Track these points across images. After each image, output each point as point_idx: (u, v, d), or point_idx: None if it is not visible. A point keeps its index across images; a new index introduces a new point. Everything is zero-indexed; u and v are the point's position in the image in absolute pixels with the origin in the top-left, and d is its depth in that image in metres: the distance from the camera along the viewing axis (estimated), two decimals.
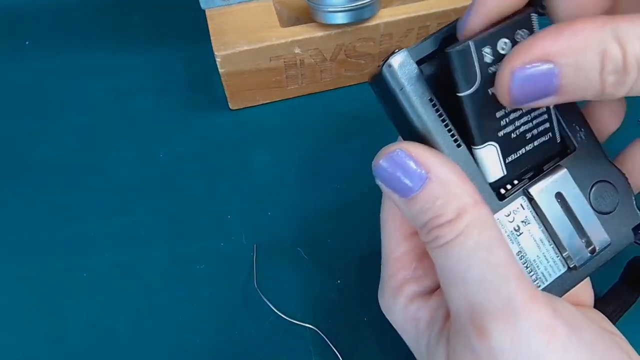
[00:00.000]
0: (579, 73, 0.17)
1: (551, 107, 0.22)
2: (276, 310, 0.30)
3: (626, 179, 0.23)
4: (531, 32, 0.20)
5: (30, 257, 0.33)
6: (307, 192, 0.34)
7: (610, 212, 0.23)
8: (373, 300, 0.31)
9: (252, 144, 0.37)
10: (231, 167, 0.36)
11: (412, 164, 0.20)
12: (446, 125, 0.21)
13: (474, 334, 0.19)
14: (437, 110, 0.21)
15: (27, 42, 0.41)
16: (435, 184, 0.19)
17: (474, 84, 0.20)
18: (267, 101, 0.38)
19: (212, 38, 0.33)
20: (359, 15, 0.33)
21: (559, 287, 0.23)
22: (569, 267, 0.22)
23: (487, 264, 0.19)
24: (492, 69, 0.20)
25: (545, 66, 0.17)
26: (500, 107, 0.21)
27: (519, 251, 0.22)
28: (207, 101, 0.38)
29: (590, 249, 0.22)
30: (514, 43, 0.20)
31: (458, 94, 0.20)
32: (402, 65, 0.21)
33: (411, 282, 0.23)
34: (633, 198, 0.23)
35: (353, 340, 0.30)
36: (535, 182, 0.22)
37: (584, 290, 0.25)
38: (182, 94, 0.39)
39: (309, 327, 0.30)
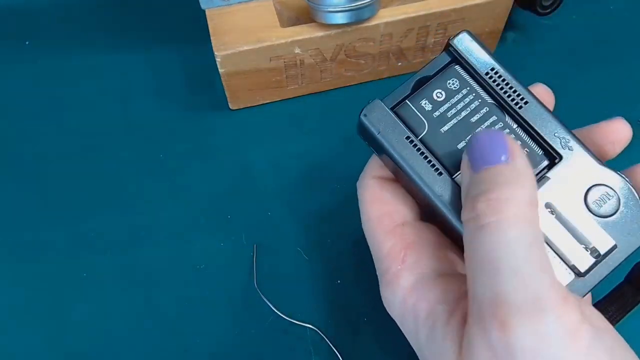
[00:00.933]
0: None
1: (514, 125, 0.24)
2: (276, 310, 0.30)
3: (627, 180, 0.23)
4: (461, 80, 0.24)
5: (30, 257, 0.33)
6: (307, 192, 0.34)
7: (613, 215, 0.22)
8: (373, 300, 0.31)
9: (252, 144, 0.37)
10: (231, 167, 0.36)
11: (505, 146, 0.21)
12: (425, 158, 0.23)
13: (493, 326, 0.18)
14: (414, 146, 0.24)
15: (27, 42, 0.41)
16: (509, 166, 0.20)
17: (425, 128, 0.24)
18: (267, 101, 0.38)
19: (212, 38, 0.33)
20: (359, 15, 0.33)
21: None
22: (575, 274, 0.22)
23: (525, 258, 0.19)
24: (436, 113, 0.24)
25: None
26: (460, 139, 0.24)
27: None
28: (207, 101, 0.38)
29: (593, 253, 0.22)
30: (447, 91, 0.24)
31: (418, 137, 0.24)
32: (376, 113, 0.24)
33: (405, 272, 0.24)
34: (638, 199, 0.23)
35: (353, 340, 0.30)
36: None
37: None
38: (182, 94, 0.39)
39: (309, 327, 0.30)
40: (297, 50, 0.34)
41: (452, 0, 0.34)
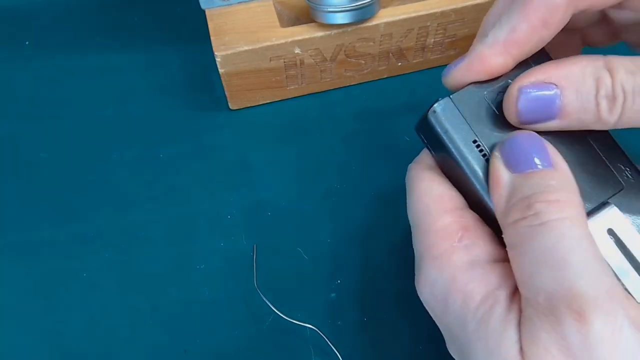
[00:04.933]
0: (578, 96, 0.21)
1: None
2: (276, 310, 0.30)
3: None
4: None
5: (30, 257, 0.33)
6: (307, 192, 0.34)
7: None
8: (373, 300, 0.31)
9: (252, 144, 0.37)
10: (231, 167, 0.36)
11: (546, 150, 0.21)
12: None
13: (570, 318, 0.18)
14: (481, 151, 0.22)
15: (27, 42, 0.41)
16: (557, 172, 0.21)
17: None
18: (267, 101, 0.38)
19: (212, 38, 0.33)
20: (359, 15, 0.33)
21: None
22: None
23: (593, 253, 0.19)
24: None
25: (550, 89, 0.21)
26: None
27: None
28: (207, 101, 0.38)
29: None
30: None
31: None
32: (445, 111, 0.22)
33: (459, 250, 0.22)
34: None
35: (353, 340, 0.30)
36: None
37: None
38: (182, 94, 0.39)
39: (309, 327, 0.30)
40: (297, 50, 0.34)
41: (452, 0, 0.34)
